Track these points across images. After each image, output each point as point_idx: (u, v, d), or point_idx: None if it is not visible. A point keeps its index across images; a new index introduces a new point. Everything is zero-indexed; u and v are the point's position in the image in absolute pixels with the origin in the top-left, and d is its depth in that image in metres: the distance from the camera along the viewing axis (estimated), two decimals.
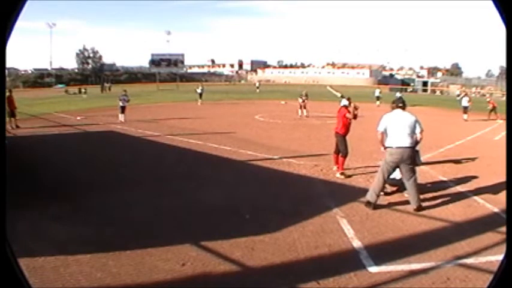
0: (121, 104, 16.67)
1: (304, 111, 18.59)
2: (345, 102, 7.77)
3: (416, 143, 5.63)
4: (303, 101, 18.58)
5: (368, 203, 5.54)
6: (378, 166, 8.20)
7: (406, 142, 5.43)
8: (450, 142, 11.50)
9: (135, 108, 23.13)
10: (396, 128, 5.53)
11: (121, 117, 16.52)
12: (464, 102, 19.14)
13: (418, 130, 5.54)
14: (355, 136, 12.72)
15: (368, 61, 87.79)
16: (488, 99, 22.28)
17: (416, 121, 5.58)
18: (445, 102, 31.72)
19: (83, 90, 43.83)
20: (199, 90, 26.86)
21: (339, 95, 8.21)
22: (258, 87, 45.33)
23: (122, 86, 42.14)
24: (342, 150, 7.51)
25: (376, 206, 5.52)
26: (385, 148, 5.64)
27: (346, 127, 7.64)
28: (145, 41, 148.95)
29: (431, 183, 7.05)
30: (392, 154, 5.46)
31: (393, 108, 5.82)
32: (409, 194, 5.61)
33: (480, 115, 19.10)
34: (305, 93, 18.90)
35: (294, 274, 3.70)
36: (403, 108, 5.76)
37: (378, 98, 26.02)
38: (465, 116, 18.58)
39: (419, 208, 5.45)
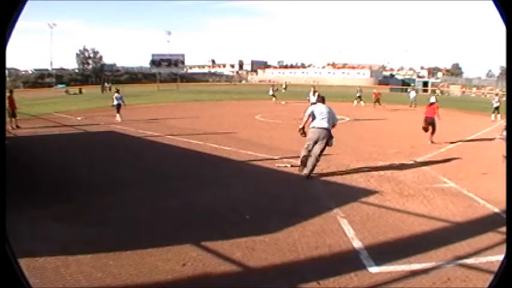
0: (117, 102, 16.75)
1: None
2: (433, 99, 11.87)
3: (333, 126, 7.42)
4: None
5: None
6: (379, 166, 8.29)
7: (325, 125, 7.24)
8: (450, 142, 11.50)
9: (136, 108, 23.15)
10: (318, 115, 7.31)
11: (118, 117, 16.59)
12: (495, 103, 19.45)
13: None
14: (355, 136, 12.82)
15: (368, 61, 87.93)
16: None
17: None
18: (446, 102, 31.67)
19: (83, 91, 43.94)
20: (271, 92, 27.35)
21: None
22: (285, 88, 44.85)
23: (122, 86, 42.35)
24: (435, 128, 11.31)
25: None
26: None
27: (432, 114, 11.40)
28: (145, 41, 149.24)
29: (431, 183, 7.04)
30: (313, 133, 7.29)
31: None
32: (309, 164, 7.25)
33: (480, 115, 19.12)
34: (314, 90, 17.32)
35: (295, 274, 3.70)
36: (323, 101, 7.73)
37: (359, 97, 26.91)
38: (493, 117, 18.81)
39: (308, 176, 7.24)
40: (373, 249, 4.19)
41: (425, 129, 11.33)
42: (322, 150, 7.20)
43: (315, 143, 7.19)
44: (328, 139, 7.21)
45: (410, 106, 25.69)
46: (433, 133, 11.31)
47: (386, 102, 26.22)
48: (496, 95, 20.13)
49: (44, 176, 7.56)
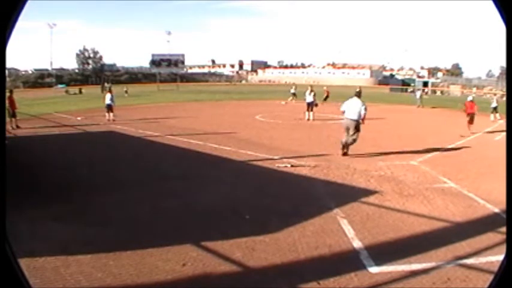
0: (109, 102, 16.84)
1: (311, 113, 16.94)
2: (470, 98, 14.61)
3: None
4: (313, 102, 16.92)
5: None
6: (379, 166, 8.29)
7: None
8: (451, 142, 11.50)
9: (136, 108, 23.17)
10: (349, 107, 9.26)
11: (110, 116, 16.66)
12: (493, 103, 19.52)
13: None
14: None
15: (368, 61, 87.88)
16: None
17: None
18: (446, 102, 31.70)
19: (83, 91, 43.98)
20: (292, 91, 26.99)
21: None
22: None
23: (122, 86, 42.34)
24: (473, 121, 13.72)
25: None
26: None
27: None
28: (145, 41, 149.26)
29: (431, 183, 7.04)
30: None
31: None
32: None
33: (480, 115, 19.12)
34: (310, 90, 17.02)
35: (295, 274, 3.70)
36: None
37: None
38: (492, 117, 18.80)
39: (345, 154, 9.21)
40: (373, 249, 4.19)
41: (470, 122, 13.84)
42: (354, 134, 9.08)
43: (347, 130, 9.10)
44: (358, 126, 9.04)
45: (418, 106, 25.65)
46: (471, 123, 13.70)
47: (389, 103, 26.20)
48: (494, 95, 20.13)
49: (44, 176, 7.57)
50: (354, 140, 9.12)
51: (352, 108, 9.16)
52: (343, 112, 9.34)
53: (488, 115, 18.90)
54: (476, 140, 12.52)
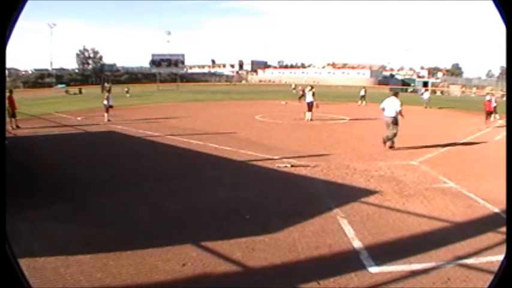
0: (105, 102, 16.87)
1: (310, 114, 16.90)
2: (488, 97, 17.28)
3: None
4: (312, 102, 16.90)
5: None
6: (379, 166, 8.28)
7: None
8: (451, 142, 11.50)
9: (136, 108, 23.18)
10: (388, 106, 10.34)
11: (105, 116, 16.66)
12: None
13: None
14: (355, 136, 12.82)
15: (368, 61, 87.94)
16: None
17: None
18: (446, 102, 31.73)
19: (83, 91, 44.04)
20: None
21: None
22: (294, 89, 44.72)
23: (122, 86, 42.36)
24: (490, 117, 16.63)
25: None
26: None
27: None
28: (145, 41, 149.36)
29: (431, 183, 7.04)
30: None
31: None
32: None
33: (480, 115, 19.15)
34: (310, 88, 17.21)
35: (295, 274, 3.70)
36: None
37: (362, 97, 27.28)
38: (492, 117, 18.99)
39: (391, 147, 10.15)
40: (373, 249, 4.19)
41: (487, 118, 16.51)
42: (394, 128, 10.08)
43: (388, 126, 10.16)
44: (396, 122, 10.10)
45: (426, 107, 25.56)
46: (488, 119, 16.40)
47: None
48: (493, 95, 20.17)
49: (44, 176, 7.56)
50: (394, 134, 10.07)
51: (390, 106, 10.21)
52: (383, 110, 10.35)
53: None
54: (477, 139, 12.53)
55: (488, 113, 16.64)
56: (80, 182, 7.06)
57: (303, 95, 25.85)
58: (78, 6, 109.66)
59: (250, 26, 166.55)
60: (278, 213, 5.33)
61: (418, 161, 8.86)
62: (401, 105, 10.25)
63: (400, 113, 10.20)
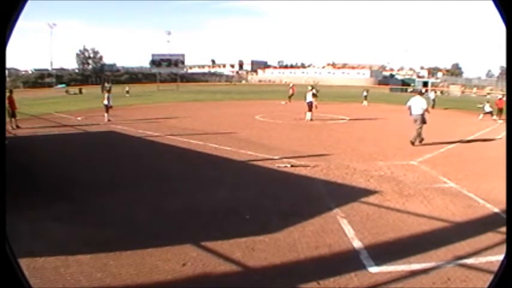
0: (105, 102, 16.88)
1: (310, 114, 16.80)
2: (500, 96, 20.54)
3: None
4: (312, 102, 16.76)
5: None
6: (379, 166, 8.28)
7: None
8: (451, 142, 11.50)
9: (136, 108, 23.18)
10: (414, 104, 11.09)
11: (105, 116, 16.66)
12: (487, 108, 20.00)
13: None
14: (355, 136, 12.82)
15: (368, 61, 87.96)
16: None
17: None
18: (446, 102, 31.71)
19: (83, 91, 44.07)
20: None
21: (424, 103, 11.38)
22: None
23: (122, 86, 42.34)
24: (502, 113, 18.15)
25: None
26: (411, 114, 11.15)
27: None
28: (145, 41, 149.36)
29: (431, 183, 7.04)
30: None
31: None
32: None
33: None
34: (311, 87, 17.22)
35: (295, 274, 3.70)
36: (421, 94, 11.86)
37: (365, 97, 27.79)
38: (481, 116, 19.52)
39: (412, 144, 10.79)
40: (373, 249, 4.19)
41: (499, 114, 18.43)
42: (421, 126, 10.74)
43: (416, 123, 10.81)
44: (423, 119, 10.76)
45: (433, 107, 25.23)
46: (500, 115, 18.27)
47: (397, 103, 26.12)
48: (487, 102, 20.27)
49: (44, 176, 7.56)
50: (419, 132, 10.82)
51: (416, 104, 10.91)
52: (409, 108, 11.06)
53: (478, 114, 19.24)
54: (477, 139, 12.54)
55: (500, 110, 18.40)
56: (80, 182, 7.07)
57: (293, 94, 26.17)
58: (78, 6, 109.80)
59: (250, 26, 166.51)
60: (278, 213, 5.33)
61: (418, 161, 8.86)
62: (427, 103, 11.06)
63: (426, 110, 10.90)
